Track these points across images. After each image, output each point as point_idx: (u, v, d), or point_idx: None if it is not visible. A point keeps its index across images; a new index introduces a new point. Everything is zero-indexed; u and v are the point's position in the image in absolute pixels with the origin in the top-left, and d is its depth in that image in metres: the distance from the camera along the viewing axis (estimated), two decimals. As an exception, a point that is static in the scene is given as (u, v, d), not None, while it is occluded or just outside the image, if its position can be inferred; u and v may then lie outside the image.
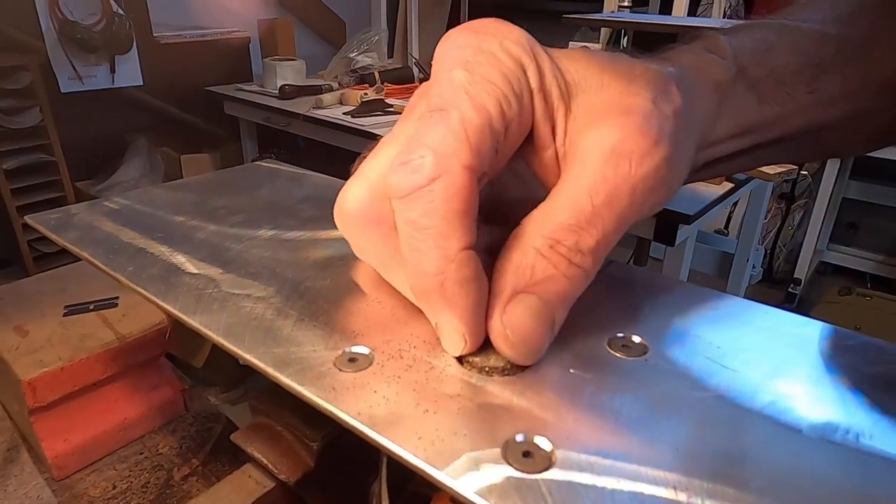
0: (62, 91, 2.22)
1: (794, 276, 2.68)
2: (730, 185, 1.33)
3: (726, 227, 2.79)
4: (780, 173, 1.19)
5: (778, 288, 2.84)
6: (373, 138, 1.29)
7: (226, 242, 0.31)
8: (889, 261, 2.70)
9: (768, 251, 2.98)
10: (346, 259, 0.29)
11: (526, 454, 0.17)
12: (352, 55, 2.22)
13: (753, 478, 0.17)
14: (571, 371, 0.21)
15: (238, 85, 2.39)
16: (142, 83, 2.38)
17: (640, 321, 0.24)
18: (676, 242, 1.34)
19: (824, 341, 0.23)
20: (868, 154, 1.79)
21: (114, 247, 0.30)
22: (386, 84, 2.05)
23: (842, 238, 2.92)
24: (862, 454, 0.17)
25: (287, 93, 2.09)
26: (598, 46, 1.63)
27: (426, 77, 1.70)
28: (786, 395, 0.20)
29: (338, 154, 1.95)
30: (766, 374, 0.21)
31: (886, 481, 0.16)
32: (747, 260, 1.87)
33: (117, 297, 0.63)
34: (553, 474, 0.17)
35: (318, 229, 0.32)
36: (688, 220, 1.19)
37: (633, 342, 0.23)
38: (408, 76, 2.13)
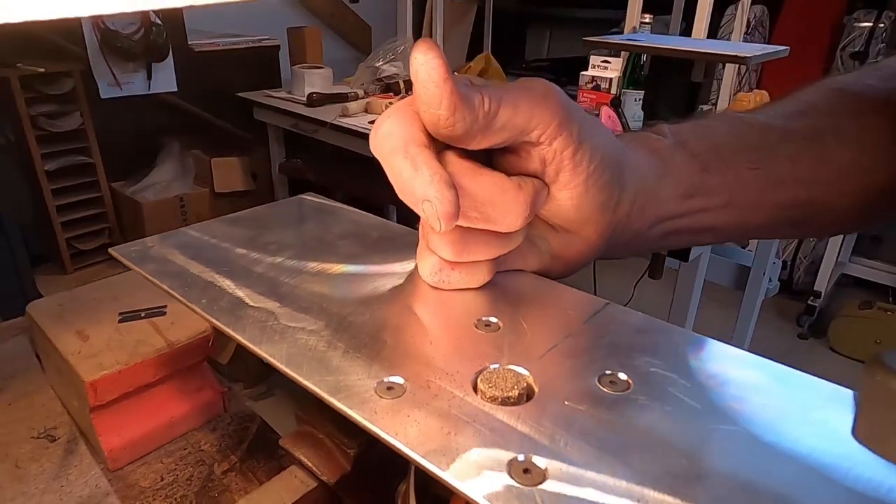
0: (102, 97, 2.32)
1: (815, 288, 2.67)
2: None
3: (746, 237, 2.79)
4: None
5: (798, 300, 2.83)
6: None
7: (280, 277, 0.36)
8: (912, 275, 2.67)
9: (789, 262, 2.98)
10: (382, 296, 0.34)
11: (526, 470, 0.22)
12: (377, 64, 2.28)
13: (706, 494, 0.22)
14: (566, 403, 0.26)
15: (267, 91, 2.47)
16: (176, 89, 2.47)
17: (627, 360, 0.29)
18: (690, 258, 1.38)
19: (795, 385, 0.28)
20: None
21: (187, 280, 0.36)
22: (410, 93, 2.10)
23: (865, 250, 2.90)
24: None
25: (314, 100, 2.16)
26: (619, 61, 1.67)
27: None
28: (741, 429, 0.25)
29: (363, 162, 2.02)
30: (723, 410, 0.26)
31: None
32: (763, 273, 1.89)
33: (165, 306, 0.70)
34: (546, 487, 0.22)
35: (357, 266, 0.37)
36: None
37: (619, 378, 0.28)
38: (432, 86, 2.17)
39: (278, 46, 2.71)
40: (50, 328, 0.66)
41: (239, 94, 2.52)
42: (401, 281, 0.36)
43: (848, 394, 0.26)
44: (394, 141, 0.29)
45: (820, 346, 2.57)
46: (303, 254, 0.39)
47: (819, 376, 0.28)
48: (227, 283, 0.35)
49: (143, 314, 0.69)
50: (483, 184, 0.31)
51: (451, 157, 0.32)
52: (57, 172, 2.30)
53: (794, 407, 0.26)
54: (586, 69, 1.81)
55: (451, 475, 0.22)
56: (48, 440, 0.66)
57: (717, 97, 2.06)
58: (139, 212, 2.47)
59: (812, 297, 2.62)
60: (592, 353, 0.29)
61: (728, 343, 0.31)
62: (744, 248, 2.56)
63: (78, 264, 2.51)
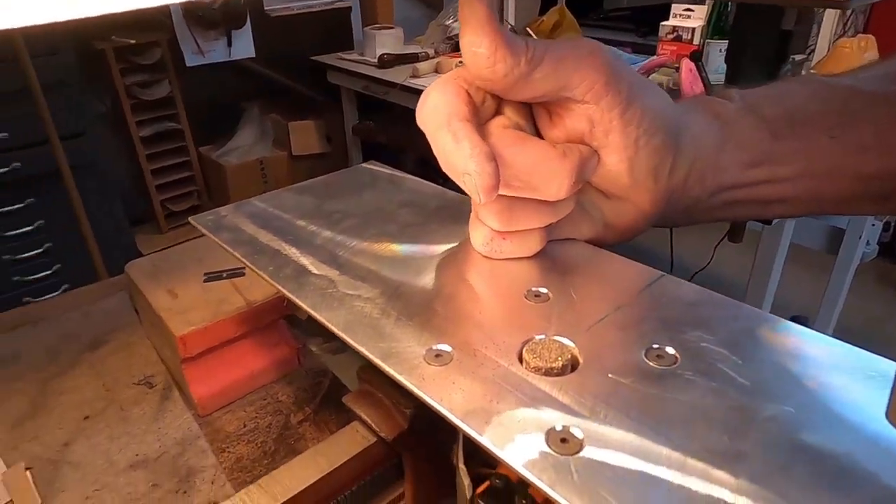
0: (187, 65, 2.44)
1: (921, 252, 2.45)
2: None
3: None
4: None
5: (900, 264, 2.62)
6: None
7: (341, 246, 0.38)
8: None
9: (893, 224, 2.73)
10: (435, 265, 0.35)
11: (563, 440, 0.23)
12: (448, 22, 2.25)
13: (743, 474, 0.22)
14: (610, 376, 0.26)
15: (340, 54, 2.50)
16: (254, 55, 2.55)
17: (676, 334, 0.29)
18: (774, 220, 1.30)
19: (848, 366, 0.27)
20: None
21: (257, 248, 0.39)
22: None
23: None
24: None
25: (385, 61, 2.16)
26: (703, 9, 1.56)
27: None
28: (794, 410, 0.24)
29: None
30: (775, 390, 0.25)
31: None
32: (860, 236, 1.75)
33: (244, 268, 0.74)
34: (580, 457, 0.22)
35: (414, 236, 0.38)
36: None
37: (666, 352, 0.28)
38: (503, 43, 2.12)
39: (350, 8, 2.72)
40: (145, 286, 0.72)
41: (313, 58, 2.57)
42: (455, 251, 0.37)
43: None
44: (438, 115, 0.30)
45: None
46: (363, 223, 0.41)
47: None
48: (292, 252, 0.38)
49: (224, 275, 0.74)
50: (526, 152, 0.31)
51: (494, 127, 0.32)
52: (150, 138, 2.45)
53: (855, 389, 0.25)
54: (669, 17, 1.70)
55: (489, 440, 0.23)
56: (147, 387, 0.73)
57: (815, 45, 1.88)
58: (223, 175, 2.60)
59: (917, 262, 2.41)
60: (642, 325, 0.29)
61: (810, 317, 0.30)
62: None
63: (171, 224, 2.70)
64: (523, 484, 0.30)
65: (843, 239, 1.80)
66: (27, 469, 0.60)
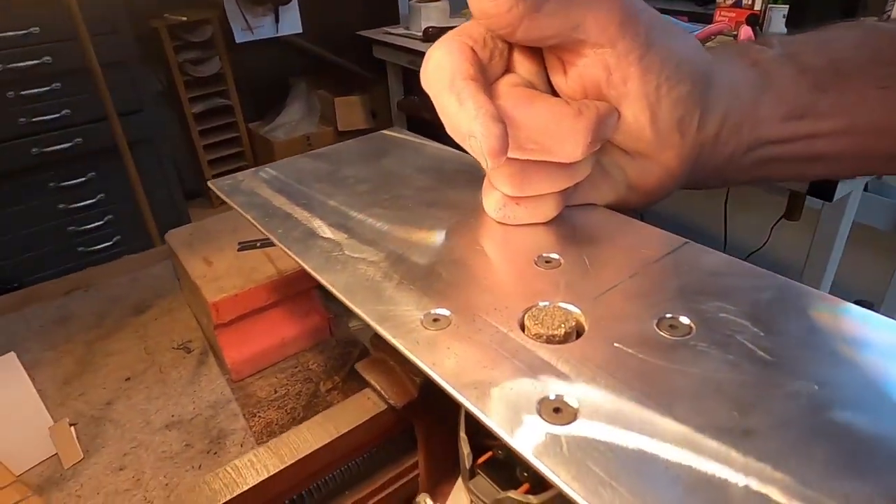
0: (236, 41, 2.48)
1: None
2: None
3: (919, 174, 2.40)
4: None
5: (980, 248, 2.42)
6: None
7: (352, 210, 0.37)
8: None
9: (974, 204, 2.53)
10: (445, 230, 0.34)
11: (556, 410, 0.22)
12: (495, -7, 2.19)
13: (755, 453, 0.20)
14: (616, 345, 0.25)
15: (385, 28, 2.48)
16: (301, 31, 2.57)
17: (694, 304, 0.27)
18: (836, 196, 1.21)
19: (889, 343, 0.24)
20: None
21: (269, 211, 0.38)
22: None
23: None
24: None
25: (431, 35, 2.13)
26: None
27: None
28: (818, 387, 0.22)
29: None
30: (802, 365, 0.23)
31: None
32: (931, 218, 1.63)
33: (278, 237, 0.75)
34: (573, 427, 0.21)
35: (427, 200, 0.37)
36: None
37: (680, 322, 0.26)
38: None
39: (397, -20, 2.69)
40: (183, 254, 0.74)
41: (359, 33, 2.57)
42: (467, 216, 0.35)
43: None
44: (441, 75, 0.28)
45: None
46: (377, 188, 0.40)
47: None
48: (303, 215, 0.37)
49: (258, 244, 0.75)
50: (537, 112, 0.29)
51: (503, 87, 0.30)
52: (202, 115, 2.52)
53: (893, 368, 0.22)
54: (729, -17, 1.60)
55: (479, 407, 0.22)
56: (185, 351, 0.75)
57: (894, 6, 1.74)
58: (272, 150, 2.65)
59: None
60: (656, 294, 0.27)
61: (875, 301, 0.27)
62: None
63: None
64: (526, 456, 0.29)
65: (915, 218, 1.68)
66: (72, 425, 0.63)
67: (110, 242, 2.39)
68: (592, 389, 0.23)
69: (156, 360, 0.74)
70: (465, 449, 0.29)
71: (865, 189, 1.59)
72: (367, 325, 0.28)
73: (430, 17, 2.29)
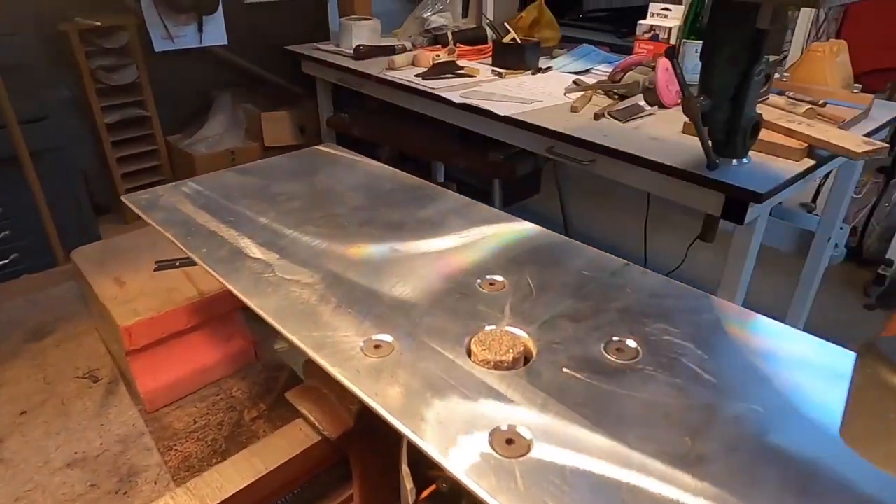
0: (155, 50, 2.36)
1: (887, 256, 2.50)
2: (811, 162, 1.25)
3: (814, 200, 2.62)
4: (867, 152, 1.10)
5: (866, 269, 2.65)
6: (441, 101, 1.30)
7: (283, 229, 0.35)
8: None
9: (860, 229, 2.78)
10: (382, 252, 0.32)
11: (509, 441, 0.21)
12: (426, 15, 2.21)
13: (704, 478, 0.19)
14: (564, 370, 0.24)
15: (316, 44, 2.44)
16: (226, 42, 2.48)
17: (638, 326, 0.26)
18: (746, 221, 1.29)
19: (817, 363, 0.25)
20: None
21: (191, 228, 0.35)
22: (458, 45, 2.04)
23: (946, 218, 2.67)
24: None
25: (361, 53, 2.11)
26: (681, 8, 1.55)
27: (499, 38, 1.67)
28: (762, 409, 0.22)
29: (409, 117, 1.98)
30: (744, 387, 0.23)
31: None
32: (829, 239, 1.76)
33: (199, 256, 0.71)
34: (527, 460, 0.20)
35: (363, 219, 0.36)
36: (759, 198, 1.13)
37: (627, 346, 0.25)
38: (481, 37, 2.11)
39: (328, -3, 2.67)
40: (91, 274, 0.68)
41: (288, 48, 2.51)
42: (404, 235, 0.34)
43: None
44: None
45: (887, 318, 2.41)
46: (310, 206, 0.38)
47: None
48: (230, 233, 0.35)
49: (178, 263, 0.70)
50: None
51: None
52: (116, 125, 2.37)
53: (823, 388, 0.23)
54: (642, 21, 1.70)
55: (428, 442, 0.21)
56: (91, 380, 0.69)
57: (790, 47, 1.90)
58: (192, 164, 2.53)
59: (883, 266, 2.45)
60: (601, 316, 0.27)
61: (778, 319, 0.28)
62: (809, 211, 2.41)
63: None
64: (471, 488, 0.27)
65: (812, 241, 1.81)
66: (-47, 467, 0.56)
67: (7, 260, 2.18)
68: (543, 418, 0.22)
69: (56, 390, 0.67)
70: (407, 483, 0.27)
71: (770, 214, 1.71)
72: (298, 350, 0.26)
73: (361, 35, 2.27)
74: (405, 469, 0.28)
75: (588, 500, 0.18)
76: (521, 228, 0.34)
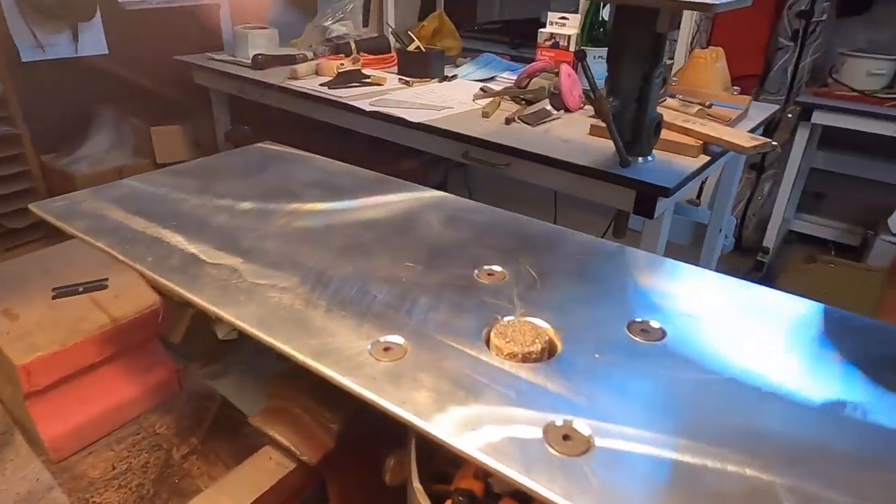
0: (23, 60, 2.12)
1: (763, 244, 2.75)
2: (706, 158, 1.34)
3: (698, 196, 2.84)
4: (755, 146, 1.21)
5: (747, 257, 2.92)
6: (351, 110, 1.27)
7: (240, 231, 0.31)
8: (852, 229, 2.79)
9: (739, 221, 3.05)
10: (363, 246, 0.29)
11: (566, 437, 0.18)
12: (326, 24, 2.16)
13: (769, 451, 0.18)
14: (597, 356, 0.22)
15: (209, 54, 2.31)
16: (107, 51, 2.28)
17: (655, 306, 0.25)
18: (656, 215, 1.37)
19: (824, 322, 0.25)
20: (835, 125, 1.81)
21: (128, 236, 0.30)
22: (362, 54, 2.01)
23: (808, 207, 3.01)
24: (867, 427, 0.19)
25: (260, 62, 2.03)
26: (577, 17, 1.62)
27: (403, 47, 1.67)
28: (793, 376, 0.22)
29: (316, 127, 1.91)
30: (774, 357, 0.23)
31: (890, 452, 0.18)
32: (720, 230, 1.91)
33: (106, 279, 0.63)
34: (593, 455, 0.18)
35: (330, 217, 0.32)
36: (667, 192, 1.20)
37: (651, 326, 0.24)
38: (384, 46, 2.09)
39: (219, 5, 2.53)
40: (-29, 308, 0.58)
41: (178, 58, 2.36)
42: (383, 229, 0.31)
43: None
44: None
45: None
46: (266, 204, 0.34)
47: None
48: (177, 239, 0.30)
49: (80, 288, 0.62)
50: None
51: None
52: (-23, 145, 2.10)
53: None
54: (542, 29, 1.76)
55: (483, 453, 0.18)
56: (-23, 433, 0.58)
57: (675, 54, 2.05)
58: (73, 185, 2.29)
59: (761, 254, 2.70)
60: (615, 299, 0.26)
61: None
62: (698, 205, 2.60)
63: (9, 244, 2.33)
64: (493, 496, 0.25)
65: (706, 233, 1.96)
66: None
67: None
68: (594, 409, 0.20)
69: (-66, 450, 0.56)
70: (424, 502, 0.24)
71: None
72: (292, 357, 0.22)
73: (259, 44, 2.18)
74: (417, 487, 0.25)
75: (672, 490, 0.17)
76: (510, 216, 0.32)
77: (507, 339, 0.22)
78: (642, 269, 0.27)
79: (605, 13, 1.53)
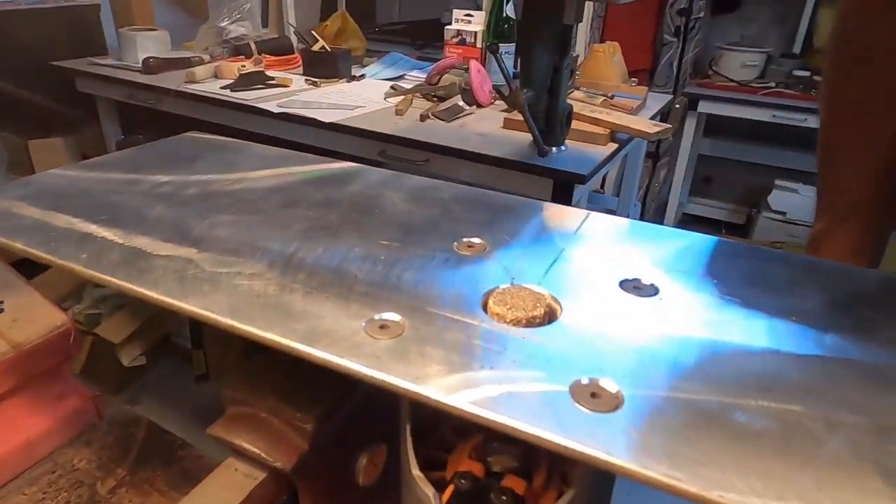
0: None
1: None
2: (615, 146, 1.41)
3: (602, 186, 2.99)
4: (658, 132, 1.28)
5: (649, 240, 3.10)
6: (258, 113, 1.21)
7: (185, 220, 0.28)
8: (738, 209, 3.05)
9: (640, 206, 3.24)
10: (328, 228, 0.27)
11: (594, 395, 0.18)
12: (222, 24, 2.06)
13: (788, 390, 0.18)
14: (599, 315, 0.22)
15: (92, 59, 2.13)
16: (-33, 58, 2.04)
17: (638, 264, 0.25)
18: (573, 202, 1.42)
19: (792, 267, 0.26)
20: (718, 113, 1.96)
21: (50, 234, 0.26)
22: (264, 55, 1.93)
23: (699, 191, 3.25)
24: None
25: (152, 66, 1.89)
26: (482, 14, 1.65)
27: (307, 47, 1.63)
28: (801, 319, 0.22)
29: (219, 131, 1.81)
30: (766, 304, 0.23)
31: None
32: (628, 215, 2.02)
33: (2, 302, 0.55)
34: (626, 411, 0.17)
35: (283, 201, 0.30)
36: (583, 179, 1.24)
37: (642, 284, 0.24)
38: (287, 46, 2.02)
39: (98, 6, 2.34)
40: None
41: (55, 63, 2.15)
42: (347, 211, 0.29)
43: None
44: None
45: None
46: (209, 193, 0.30)
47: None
48: (112, 233, 0.26)
49: (-30, 314, 0.54)
50: None
51: None
52: None
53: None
54: (442, 31, 1.78)
55: (512, 418, 0.17)
56: None
57: (576, 47, 2.14)
58: (-64, 211, 2.03)
59: (662, 237, 2.88)
60: (600, 261, 0.25)
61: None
62: (602, 194, 2.74)
63: None
64: (494, 476, 0.24)
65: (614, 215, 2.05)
66: None
67: None
68: (615, 365, 0.19)
69: None
70: (427, 490, 0.23)
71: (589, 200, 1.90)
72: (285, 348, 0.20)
73: (148, 47, 2.03)
74: (417, 474, 0.23)
75: (710, 436, 0.16)
76: (473, 191, 0.31)
77: (508, 306, 0.21)
78: (615, 233, 0.27)
79: (509, 9, 1.57)
